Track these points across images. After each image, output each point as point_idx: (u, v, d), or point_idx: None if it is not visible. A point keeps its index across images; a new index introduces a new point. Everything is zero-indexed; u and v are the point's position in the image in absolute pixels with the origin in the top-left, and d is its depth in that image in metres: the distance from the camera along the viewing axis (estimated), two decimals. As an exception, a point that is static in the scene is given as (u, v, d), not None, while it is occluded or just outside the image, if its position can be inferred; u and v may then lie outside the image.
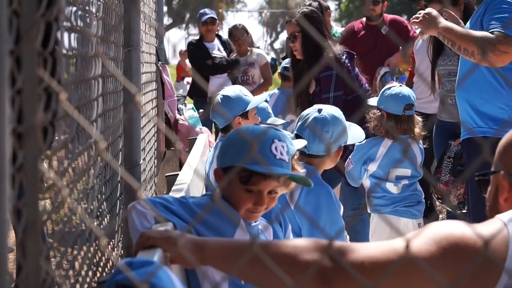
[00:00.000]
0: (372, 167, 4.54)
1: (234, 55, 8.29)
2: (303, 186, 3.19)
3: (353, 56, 5.41)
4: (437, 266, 1.65)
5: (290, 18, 5.42)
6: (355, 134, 3.58)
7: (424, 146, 4.77)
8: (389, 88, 4.59)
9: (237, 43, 8.65)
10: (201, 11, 8.61)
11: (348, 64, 5.30)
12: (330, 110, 3.50)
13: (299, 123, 3.48)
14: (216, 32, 8.56)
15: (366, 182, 4.63)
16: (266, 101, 7.38)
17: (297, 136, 3.43)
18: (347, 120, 3.56)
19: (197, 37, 8.66)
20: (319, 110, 3.46)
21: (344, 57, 5.29)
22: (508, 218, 1.71)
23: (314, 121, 3.44)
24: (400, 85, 4.66)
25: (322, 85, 5.20)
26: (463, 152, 4.49)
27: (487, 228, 1.70)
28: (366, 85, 5.47)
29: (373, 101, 4.70)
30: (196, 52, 8.20)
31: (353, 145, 4.35)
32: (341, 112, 3.54)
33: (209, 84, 8.10)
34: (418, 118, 4.59)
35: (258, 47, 10.13)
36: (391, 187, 4.52)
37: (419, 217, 4.61)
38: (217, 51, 8.28)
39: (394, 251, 1.68)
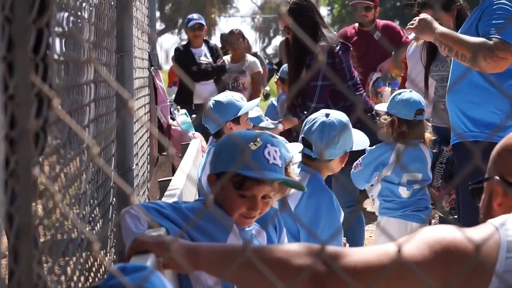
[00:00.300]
0: (386, 172, 4.55)
1: (221, 61, 8.28)
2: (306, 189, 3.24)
3: (348, 48, 5.43)
4: (429, 270, 1.66)
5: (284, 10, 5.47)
6: (359, 140, 3.60)
7: (434, 150, 4.80)
8: (399, 94, 4.62)
9: (232, 48, 8.66)
10: (189, 16, 8.59)
11: (341, 55, 5.33)
12: (338, 115, 3.51)
13: (306, 127, 3.50)
14: (204, 38, 8.54)
15: (378, 187, 4.64)
16: (274, 105, 7.43)
17: (304, 140, 3.46)
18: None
19: (184, 43, 8.66)
20: (327, 115, 3.48)
21: (338, 48, 5.31)
22: (500, 223, 1.72)
23: (322, 126, 3.45)
24: (410, 91, 4.68)
25: (310, 72, 5.23)
26: (453, 157, 4.51)
27: (479, 232, 1.71)
28: (358, 78, 5.49)
29: (380, 106, 4.73)
30: (182, 58, 8.17)
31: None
32: (348, 118, 3.55)
33: (194, 91, 8.09)
34: (428, 123, 4.62)
35: (256, 53, 10.13)
36: (403, 192, 4.54)
37: (427, 222, 4.62)
38: (204, 57, 8.26)
39: (387, 255, 1.69)
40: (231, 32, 8.90)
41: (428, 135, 4.56)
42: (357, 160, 4.59)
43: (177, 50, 8.44)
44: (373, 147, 4.49)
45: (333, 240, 3.12)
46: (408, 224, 4.53)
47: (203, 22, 8.35)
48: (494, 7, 3.76)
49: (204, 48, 8.34)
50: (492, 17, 3.73)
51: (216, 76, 8.20)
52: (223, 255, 1.83)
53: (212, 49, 8.39)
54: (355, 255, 1.71)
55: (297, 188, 2.62)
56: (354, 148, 3.56)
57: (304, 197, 3.29)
